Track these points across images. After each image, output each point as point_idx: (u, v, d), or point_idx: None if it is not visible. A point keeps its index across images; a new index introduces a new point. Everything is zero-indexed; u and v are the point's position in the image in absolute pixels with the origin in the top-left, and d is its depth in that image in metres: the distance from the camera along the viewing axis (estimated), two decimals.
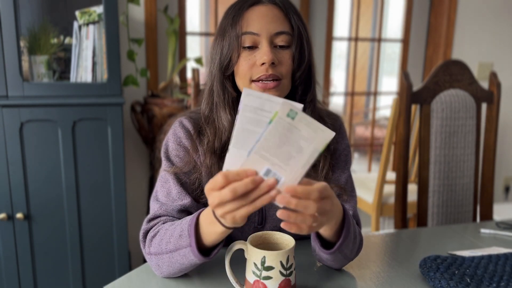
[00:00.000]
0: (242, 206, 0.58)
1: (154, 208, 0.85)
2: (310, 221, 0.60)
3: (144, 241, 0.81)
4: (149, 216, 0.85)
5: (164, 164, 0.88)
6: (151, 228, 0.82)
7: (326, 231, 0.71)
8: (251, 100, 0.60)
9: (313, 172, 0.87)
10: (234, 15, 0.82)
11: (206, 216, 0.68)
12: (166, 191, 0.85)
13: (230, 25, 0.82)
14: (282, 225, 0.60)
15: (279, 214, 0.59)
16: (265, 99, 0.60)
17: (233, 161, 0.59)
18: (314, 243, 0.77)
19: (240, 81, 0.84)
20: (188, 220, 0.72)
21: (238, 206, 0.58)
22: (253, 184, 0.57)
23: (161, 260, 0.76)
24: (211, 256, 0.71)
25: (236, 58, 0.82)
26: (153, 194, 0.88)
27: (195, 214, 0.71)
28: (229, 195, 0.57)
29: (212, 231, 0.67)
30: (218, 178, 0.58)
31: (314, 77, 0.88)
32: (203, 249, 0.71)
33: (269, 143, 0.58)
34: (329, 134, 0.59)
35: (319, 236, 0.75)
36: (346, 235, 0.72)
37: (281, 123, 0.58)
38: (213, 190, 0.59)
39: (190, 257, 0.71)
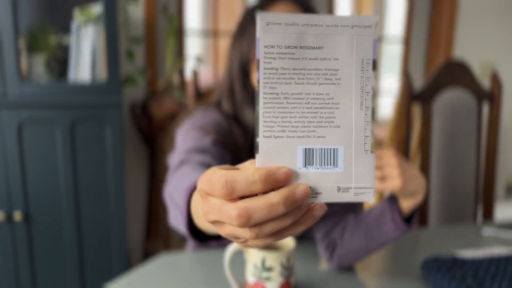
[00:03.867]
0: None
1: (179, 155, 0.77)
2: (396, 172, 0.67)
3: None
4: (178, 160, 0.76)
5: (186, 130, 0.84)
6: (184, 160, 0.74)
7: (412, 201, 0.73)
8: None
9: None
10: (256, 12, 0.82)
11: (194, 199, 0.51)
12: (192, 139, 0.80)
13: (251, 21, 0.82)
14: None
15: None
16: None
17: None
18: (392, 222, 0.75)
19: (255, 77, 0.82)
20: (187, 187, 0.58)
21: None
22: None
23: (170, 204, 0.70)
24: (204, 242, 0.59)
25: (254, 53, 0.81)
26: (172, 159, 0.80)
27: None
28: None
29: (199, 220, 0.52)
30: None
31: None
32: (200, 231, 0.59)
33: None
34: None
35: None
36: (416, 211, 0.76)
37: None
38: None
39: (183, 228, 0.59)
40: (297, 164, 0.35)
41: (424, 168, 1.35)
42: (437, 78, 1.35)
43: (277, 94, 0.35)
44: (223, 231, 0.36)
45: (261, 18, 0.34)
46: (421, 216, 1.36)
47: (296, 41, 0.35)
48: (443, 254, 0.91)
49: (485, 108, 1.43)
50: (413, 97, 1.33)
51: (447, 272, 0.78)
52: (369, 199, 0.35)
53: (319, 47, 0.35)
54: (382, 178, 0.69)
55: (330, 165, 0.35)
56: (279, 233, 0.35)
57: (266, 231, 0.33)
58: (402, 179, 0.68)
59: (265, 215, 0.32)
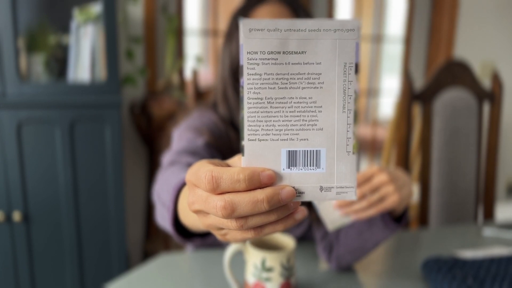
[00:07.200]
0: None
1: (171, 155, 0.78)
2: (392, 189, 0.65)
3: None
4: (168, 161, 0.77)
5: (182, 130, 0.84)
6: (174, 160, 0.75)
7: (402, 203, 0.72)
8: None
9: None
10: (241, 16, 0.81)
11: (182, 197, 0.54)
12: (185, 139, 0.80)
13: (236, 24, 0.81)
14: (367, 214, 0.67)
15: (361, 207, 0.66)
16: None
17: None
18: (382, 221, 0.75)
19: None
20: (176, 183, 0.59)
21: None
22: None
23: (157, 203, 0.70)
24: (189, 239, 0.60)
25: None
26: (164, 159, 0.80)
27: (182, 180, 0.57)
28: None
29: (184, 214, 0.53)
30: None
31: None
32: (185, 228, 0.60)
33: None
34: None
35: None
36: (406, 208, 0.75)
37: None
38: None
39: (168, 225, 0.60)
40: (281, 165, 0.36)
41: (425, 168, 1.35)
42: (438, 77, 1.34)
43: (261, 99, 0.35)
44: (206, 221, 0.38)
45: (243, 25, 0.34)
46: (422, 217, 1.36)
47: (279, 46, 0.35)
48: (443, 254, 0.91)
49: (486, 108, 1.43)
50: (413, 97, 1.33)
51: (447, 273, 0.77)
52: (351, 197, 0.37)
53: (302, 52, 0.35)
54: (381, 199, 0.68)
55: (313, 166, 0.36)
56: (260, 229, 0.36)
57: (251, 223, 0.35)
58: (398, 192, 0.67)
59: (249, 210, 0.33)
